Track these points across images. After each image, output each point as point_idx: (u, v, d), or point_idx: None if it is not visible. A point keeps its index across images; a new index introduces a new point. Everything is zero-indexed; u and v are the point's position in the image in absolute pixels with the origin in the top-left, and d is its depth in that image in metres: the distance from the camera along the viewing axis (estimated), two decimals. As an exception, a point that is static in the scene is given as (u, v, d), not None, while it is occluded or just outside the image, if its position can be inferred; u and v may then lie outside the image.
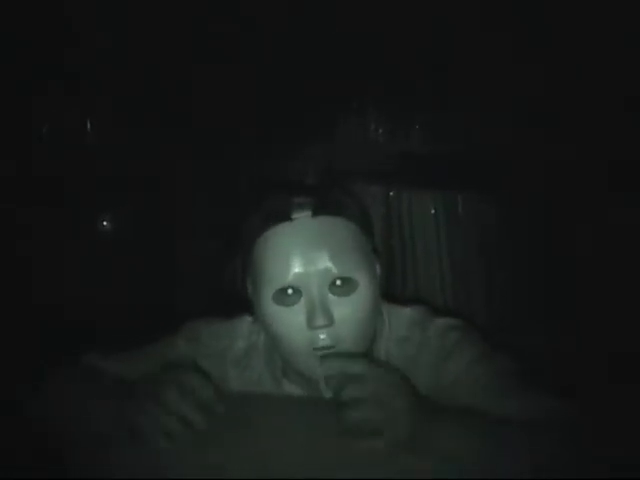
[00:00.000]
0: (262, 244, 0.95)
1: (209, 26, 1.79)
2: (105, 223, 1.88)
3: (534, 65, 1.67)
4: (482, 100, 1.72)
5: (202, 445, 0.85)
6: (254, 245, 0.96)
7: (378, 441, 0.78)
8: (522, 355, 1.02)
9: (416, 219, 1.81)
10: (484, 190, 1.78)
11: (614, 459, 0.80)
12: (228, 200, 1.77)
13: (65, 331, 1.66)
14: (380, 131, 1.84)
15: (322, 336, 0.90)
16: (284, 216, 0.94)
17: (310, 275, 0.91)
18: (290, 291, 0.92)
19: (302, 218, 0.93)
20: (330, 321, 0.90)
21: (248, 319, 1.05)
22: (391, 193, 1.81)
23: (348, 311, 0.92)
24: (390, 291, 1.74)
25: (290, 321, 0.92)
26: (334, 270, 0.91)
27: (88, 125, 1.89)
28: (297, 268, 0.91)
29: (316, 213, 0.94)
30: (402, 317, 1.04)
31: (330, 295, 0.92)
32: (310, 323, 0.90)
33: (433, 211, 1.80)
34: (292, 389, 1.03)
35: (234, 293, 1.16)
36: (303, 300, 0.91)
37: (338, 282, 0.92)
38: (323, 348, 0.90)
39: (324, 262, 0.91)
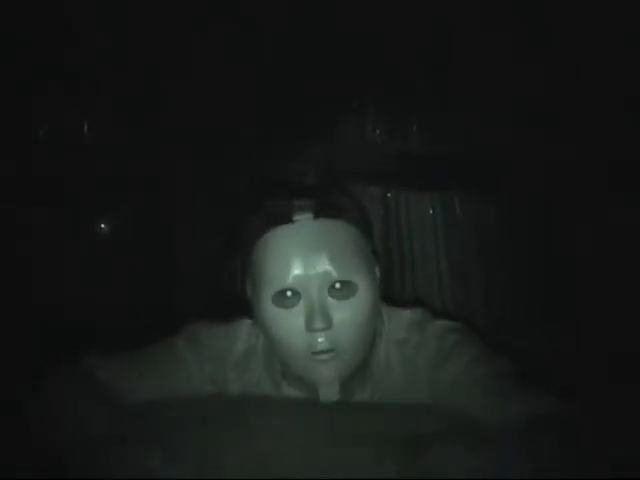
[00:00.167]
0: (262, 246, 0.95)
1: (209, 26, 1.79)
2: (103, 226, 1.88)
3: (534, 65, 1.67)
4: (482, 100, 1.72)
5: (202, 445, 0.85)
6: (254, 247, 0.96)
7: None
8: (522, 356, 1.02)
9: (414, 220, 1.81)
10: (484, 190, 1.78)
11: (614, 459, 0.79)
12: (228, 200, 1.77)
13: (65, 331, 1.66)
14: (378, 131, 1.84)
15: (320, 339, 0.90)
16: (285, 218, 0.94)
17: (310, 278, 0.91)
18: (289, 293, 0.92)
19: (303, 220, 0.94)
20: (329, 324, 0.90)
21: (248, 322, 1.05)
22: (389, 194, 1.81)
23: (347, 315, 0.92)
24: (389, 292, 1.74)
25: (289, 324, 0.92)
26: (334, 273, 0.91)
27: (88, 125, 1.89)
28: (297, 270, 0.91)
29: (317, 216, 0.94)
30: (401, 319, 1.04)
31: (329, 298, 0.92)
32: (309, 326, 0.90)
33: (431, 212, 1.79)
34: (291, 392, 1.03)
35: (234, 294, 1.16)
36: (302, 303, 0.91)
37: (338, 285, 0.92)
38: (322, 352, 0.90)
39: (324, 265, 0.91)
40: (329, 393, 0.92)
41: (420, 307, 1.07)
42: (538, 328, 1.66)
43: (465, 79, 1.72)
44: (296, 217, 0.94)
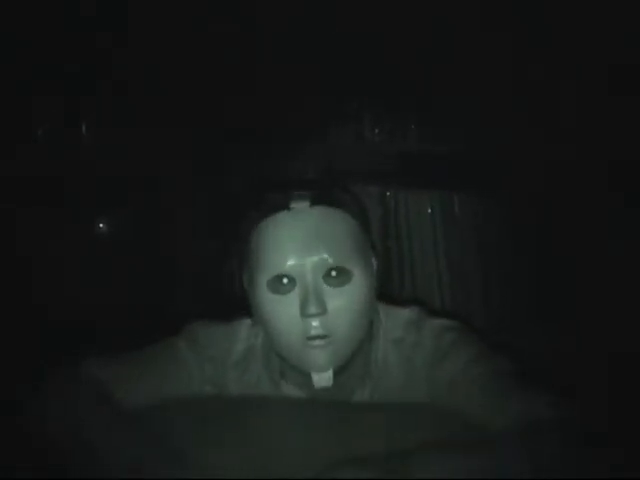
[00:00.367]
0: (259, 233, 0.96)
1: (209, 26, 1.79)
2: (102, 225, 1.88)
3: (534, 65, 1.67)
4: (482, 100, 1.72)
5: (202, 445, 0.85)
6: (251, 235, 0.96)
7: None
8: (522, 356, 1.02)
9: (413, 219, 1.81)
10: (483, 190, 1.78)
11: (614, 459, 0.79)
12: (228, 200, 1.77)
13: (65, 331, 1.66)
14: (377, 131, 1.84)
15: (315, 325, 0.91)
16: (282, 205, 0.95)
17: (305, 264, 0.92)
18: (285, 280, 0.92)
19: (300, 208, 0.94)
20: (323, 310, 0.90)
21: (247, 322, 1.05)
22: (388, 193, 1.81)
23: (342, 302, 0.92)
24: (387, 291, 1.75)
25: (284, 309, 0.92)
26: (329, 260, 0.92)
27: (87, 125, 1.89)
28: (293, 256, 0.92)
29: (314, 203, 0.94)
30: (398, 318, 1.04)
31: (325, 286, 0.92)
32: (303, 311, 0.90)
33: (430, 211, 1.80)
34: (290, 391, 1.03)
35: (234, 292, 1.16)
36: (297, 289, 0.92)
37: (333, 273, 0.93)
38: (316, 337, 0.91)
39: (320, 251, 0.92)
40: (322, 379, 0.92)
41: (418, 306, 1.07)
42: (538, 328, 1.66)
43: (465, 79, 1.72)
44: (293, 205, 0.94)
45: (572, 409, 0.85)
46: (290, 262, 0.92)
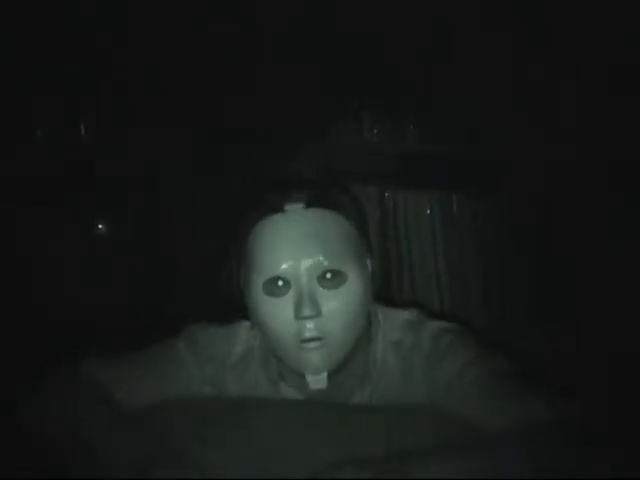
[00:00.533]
0: (255, 235, 0.96)
1: (209, 26, 1.79)
2: (101, 226, 1.88)
3: (534, 65, 1.67)
4: (482, 100, 1.72)
5: (202, 445, 0.85)
6: (247, 237, 0.96)
7: None
8: (522, 356, 1.02)
9: (412, 220, 1.81)
10: (483, 190, 1.78)
11: (614, 459, 0.79)
12: (228, 200, 1.77)
13: (65, 331, 1.66)
14: (376, 131, 1.84)
15: (309, 327, 0.91)
16: (277, 207, 0.95)
17: (299, 266, 0.92)
18: (280, 282, 0.93)
19: (294, 210, 0.94)
20: (317, 312, 0.91)
21: (246, 324, 1.05)
22: (387, 194, 1.81)
23: (336, 304, 0.92)
24: (386, 293, 1.75)
25: (278, 312, 0.93)
26: (324, 262, 0.92)
27: (87, 125, 1.89)
28: (287, 258, 0.92)
29: (309, 205, 0.94)
30: (396, 320, 1.04)
31: (319, 288, 0.92)
32: (297, 313, 0.91)
33: (429, 211, 1.79)
34: (289, 392, 1.03)
35: (232, 292, 1.16)
36: (292, 291, 0.92)
37: (328, 275, 0.93)
38: (310, 339, 0.91)
39: (314, 254, 0.92)
40: (317, 381, 0.93)
41: (416, 308, 1.07)
42: (538, 328, 1.66)
43: (465, 79, 1.72)
44: (287, 206, 0.95)
45: (572, 409, 0.85)
46: (284, 264, 0.92)
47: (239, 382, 1.05)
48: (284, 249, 0.93)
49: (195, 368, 1.04)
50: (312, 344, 0.91)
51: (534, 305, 1.74)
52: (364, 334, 0.99)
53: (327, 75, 1.79)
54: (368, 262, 1.00)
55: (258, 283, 0.94)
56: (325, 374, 0.92)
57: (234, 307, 1.06)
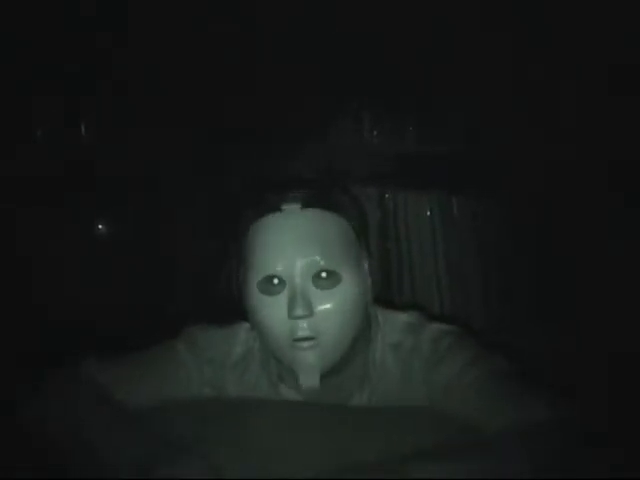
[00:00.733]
0: (252, 234, 0.97)
1: (209, 26, 1.79)
2: (100, 226, 1.88)
3: (534, 65, 1.67)
4: (482, 100, 1.72)
5: (202, 445, 0.85)
6: (245, 237, 0.97)
7: None
8: (522, 356, 1.01)
9: (412, 221, 1.81)
10: (483, 190, 1.78)
11: (614, 459, 0.79)
12: (228, 200, 1.77)
13: (65, 331, 1.66)
14: (376, 132, 1.84)
15: (302, 326, 0.91)
16: (274, 207, 0.95)
17: (294, 265, 0.92)
18: (276, 281, 0.93)
19: (291, 209, 0.95)
20: (310, 312, 0.91)
21: (245, 325, 1.06)
22: (387, 195, 1.81)
23: (330, 304, 0.93)
24: (386, 294, 1.75)
25: (272, 310, 0.93)
26: (319, 262, 0.93)
27: (87, 125, 1.89)
28: (283, 258, 0.93)
29: (306, 205, 0.95)
30: (396, 322, 1.04)
31: (314, 288, 0.93)
32: (290, 313, 0.91)
33: (429, 212, 1.79)
34: (289, 393, 1.03)
35: (232, 293, 1.16)
36: (286, 290, 0.92)
37: (323, 275, 0.93)
38: (303, 339, 0.91)
39: (310, 254, 0.93)
40: (309, 380, 0.93)
41: (416, 311, 1.07)
42: (538, 328, 1.66)
43: (465, 79, 1.72)
44: (284, 206, 0.95)
45: (572, 409, 0.85)
46: (280, 263, 0.93)
47: (239, 383, 1.05)
48: (280, 248, 0.93)
49: (195, 369, 1.04)
50: (305, 343, 0.92)
51: (534, 305, 1.74)
52: (362, 335, 0.99)
53: (327, 75, 1.79)
54: (365, 264, 1.00)
55: (254, 281, 0.94)
56: (318, 374, 0.93)
57: (234, 307, 1.06)
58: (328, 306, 0.93)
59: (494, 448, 0.80)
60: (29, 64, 1.78)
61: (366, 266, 1.00)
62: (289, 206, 0.95)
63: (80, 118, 1.89)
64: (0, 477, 0.92)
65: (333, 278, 0.93)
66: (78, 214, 1.86)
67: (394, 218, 1.82)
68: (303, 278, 0.92)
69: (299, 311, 0.90)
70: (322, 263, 0.93)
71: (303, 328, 0.91)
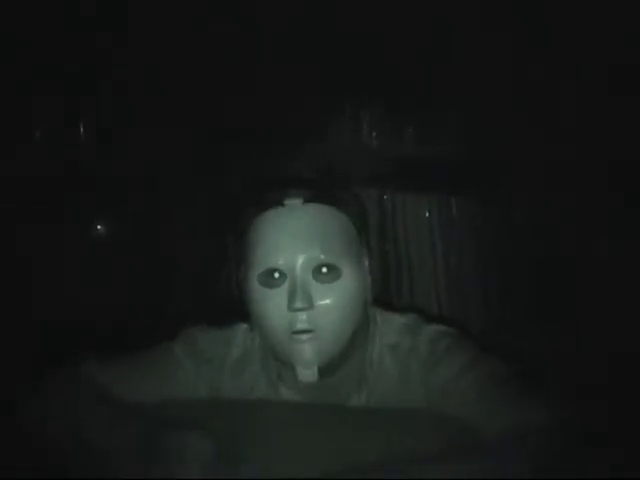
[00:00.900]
0: (254, 228, 0.97)
1: (209, 26, 1.79)
2: (100, 227, 1.88)
3: (534, 65, 1.67)
4: (482, 100, 1.72)
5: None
6: (246, 231, 0.97)
7: None
8: (522, 356, 1.01)
9: (411, 222, 1.81)
10: (483, 191, 1.78)
11: (614, 459, 0.79)
12: (228, 200, 1.77)
13: (65, 331, 1.66)
14: (375, 133, 1.84)
15: (301, 319, 0.91)
16: (276, 202, 0.96)
17: (295, 259, 0.93)
18: (277, 274, 0.94)
19: (293, 204, 0.96)
20: (309, 304, 0.91)
21: (244, 326, 1.06)
22: (386, 196, 1.81)
23: (330, 298, 0.93)
24: (385, 294, 1.75)
25: (272, 303, 0.93)
26: (319, 256, 0.93)
27: (87, 125, 1.89)
28: (284, 251, 0.93)
29: (307, 200, 0.95)
30: (394, 323, 1.05)
31: (314, 282, 0.93)
32: (289, 305, 0.91)
33: (428, 214, 1.80)
34: (287, 394, 1.03)
35: (232, 292, 1.16)
36: (287, 284, 0.92)
37: (324, 269, 0.94)
38: (301, 332, 0.91)
39: (311, 248, 0.93)
40: (307, 374, 0.93)
41: (415, 312, 1.07)
42: (538, 328, 1.66)
43: (465, 79, 1.72)
44: (286, 201, 0.96)
45: (571, 409, 0.85)
46: (281, 257, 0.93)
47: (237, 384, 1.05)
48: (282, 242, 0.94)
49: (193, 370, 1.04)
50: (304, 336, 0.92)
51: (534, 305, 1.74)
52: (360, 332, 1.00)
53: (327, 75, 1.79)
54: (366, 261, 1.00)
55: (254, 274, 0.95)
56: (315, 367, 0.93)
57: (234, 307, 1.06)
58: (328, 300, 0.93)
59: (494, 448, 0.80)
60: (29, 64, 1.78)
61: (366, 263, 1.00)
62: (291, 201, 0.96)
63: (80, 118, 1.89)
64: (0, 477, 0.92)
65: (333, 272, 0.94)
66: (78, 214, 1.86)
67: (393, 219, 1.82)
68: (304, 272, 0.93)
69: (299, 303, 0.91)
70: (323, 257, 0.93)
71: (302, 320, 0.92)
